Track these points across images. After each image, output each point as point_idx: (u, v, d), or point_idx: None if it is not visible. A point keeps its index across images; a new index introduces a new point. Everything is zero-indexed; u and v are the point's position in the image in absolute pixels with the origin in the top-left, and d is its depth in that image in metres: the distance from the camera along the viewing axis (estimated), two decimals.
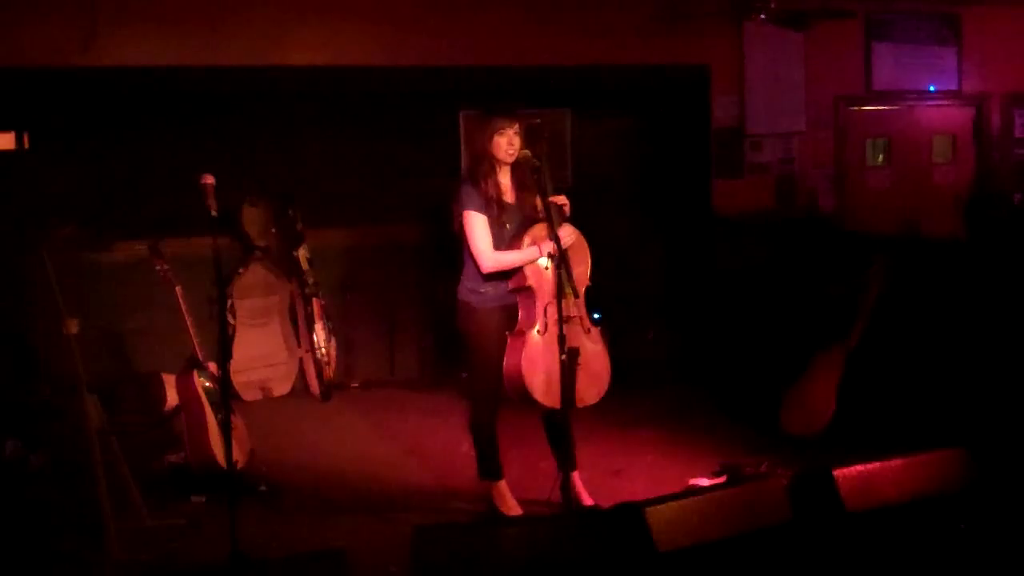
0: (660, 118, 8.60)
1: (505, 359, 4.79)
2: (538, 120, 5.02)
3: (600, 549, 3.86)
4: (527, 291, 4.81)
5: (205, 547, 4.70)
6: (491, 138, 4.84)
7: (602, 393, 4.90)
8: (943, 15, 9.19)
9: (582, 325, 4.83)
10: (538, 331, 4.74)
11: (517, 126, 4.84)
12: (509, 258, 4.82)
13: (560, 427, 4.97)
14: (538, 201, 4.78)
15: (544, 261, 4.75)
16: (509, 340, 4.81)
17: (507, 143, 4.82)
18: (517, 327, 4.83)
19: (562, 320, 4.54)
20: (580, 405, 4.80)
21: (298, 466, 5.93)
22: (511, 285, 4.86)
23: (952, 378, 5.64)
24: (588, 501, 5.01)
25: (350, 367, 7.99)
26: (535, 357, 4.71)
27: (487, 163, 4.88)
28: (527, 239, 4.80)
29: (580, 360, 4.73)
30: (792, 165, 8.75)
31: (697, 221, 8.40)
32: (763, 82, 8.51)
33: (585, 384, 4.79)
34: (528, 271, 4.79)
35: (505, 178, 4.93)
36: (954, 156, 9.60)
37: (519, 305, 4.86)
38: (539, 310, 4.76)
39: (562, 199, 4.79)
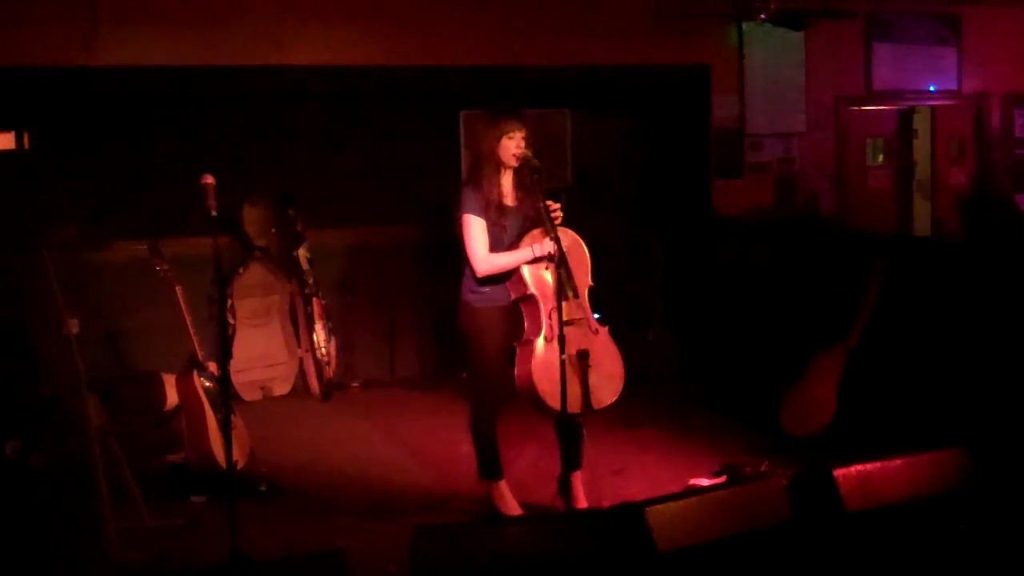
0: (660, 118, 8.60)
1: (516, 370, 4.77)
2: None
3: (600, 549, 3.86)
4: (530, 299, 4.79)
5: (205, 547, 4.70)
6: (499, 140, 4.82)
7: (618, 392, 4.86)
8: (943, 15, 9.18)
9: (589, 326, 4.81)
10: (545, 338, 4.73)
11: (525, 130, 4.83)
12: (503, 260, 4.80)
13: (571, 426, 4.94)
14: (538, 203, 4.77)
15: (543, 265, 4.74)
16: (518, 351, 4.79)
17: (515, 146, 4.80)
18: (524, 336, 4.81)
19: (562, 323, 4.53)
20: (598, 407, 4.78)
21: (298, 466, 5.93)
22: (513, 296, 4.84)
23: (952, 378, 5.64)
24: (583, 504, 4.99)
25: (350, 367, 7.99)
26: (545, 365, 4.67)
27: (492, 165, 4.85)
28: (527, 242, 4.80)
29: (592, 362, 4.71)
30: (792, 165, 8.74)
31: (697, 221, 8.40)
32: (763, 82, 8.50)
33: (601, 385, 4.77)
34: (529, 279, 4.77)
35: (507, 180, 4.92)
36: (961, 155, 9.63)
37: (523, 314, 4.84)
38: (544, 316, 4.74)
39: (555, 205, 4.77)
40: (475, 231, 4.82)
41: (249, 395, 7.45)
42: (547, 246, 4.66)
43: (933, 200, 9.46)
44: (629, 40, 8.00)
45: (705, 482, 5.36)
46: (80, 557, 4.66)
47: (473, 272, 4.89)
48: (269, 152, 7.69)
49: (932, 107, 9.39)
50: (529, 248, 4.75)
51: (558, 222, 4.72)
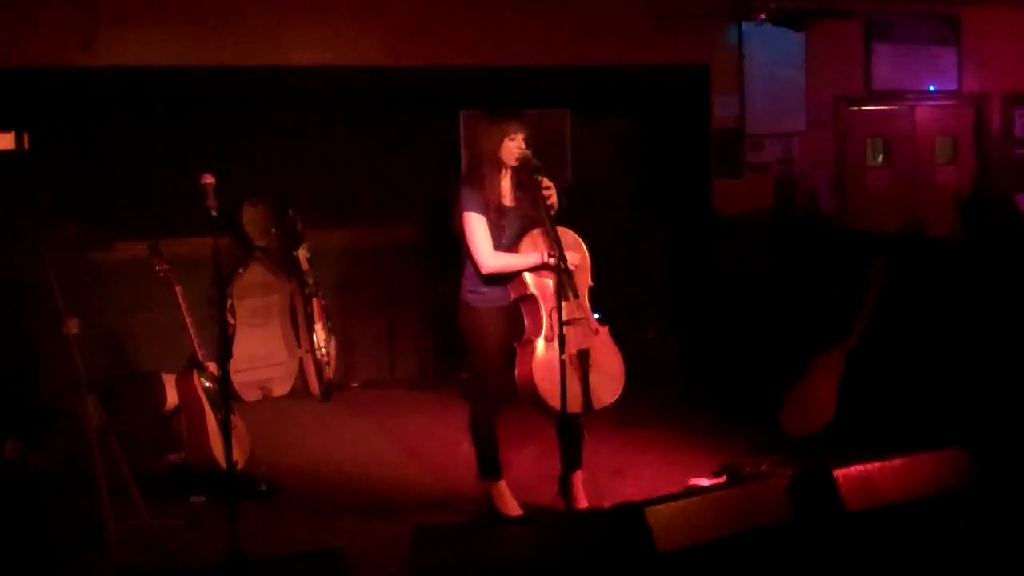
0: (660, 118, 8.60)
1: (516, 370, 4.77)
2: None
3: (600, 549, 3.86)
4: (530, 299, 4.79)
5: (205, 547, 4.70)
6: (501, 141, 4.81)
7: (618, 393, 4.87)
8: (943, 15, 9.19)
9: (589, 326, 4.81)
10: (545, 338, 4.73)
11: (525, 131, 4.83)
12: (510, 261, 4.80)
13: (572, 426, 4.93)
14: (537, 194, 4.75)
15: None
16: (518, 351, 4.79)
17: (517, 147, 4.80)
18: (524, 336, 4.81)
19: (563, 323, 4.53)
20: (598, 407, 4.78)
21: (298, 466, 5.93)
22: (513, 296, 4.84)
23: (952, 378, 5.64)
24: (583, 504, 4.99)
25: (350, 367, 7.99)
26: (546, 365, 4.67)
27: (492, 165, 4.85)
28: (526, 242, 4.80)
29: (592, 361, 4.71)
30: (792, 165, 8.75)
31: (697, 221, 8.40)
32: (763, 82, 8.51)
33: (601, 385, 4.77)
34: (530, 280, 4.77)
35: (506, 181, 4.92)
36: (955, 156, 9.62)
37: (524, 314, 4.84)
38: (544, 317, 4.74)
39: (546, 183, 4.72)
40: (478, 229, 4.82)
41: (249, 395, 7.45)
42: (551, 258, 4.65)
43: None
44: (629, 40, 8.00)
45: (705, 482, 5.35)
46: (80, 557, 4.66)
47: (474, 271, 4.89)
48: (269, 152, 7.69)
49: (913, 107, 9.38)
50: (538, 254, 4.74)
51: (550, 201, 4.71)
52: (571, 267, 4.69)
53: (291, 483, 5.61)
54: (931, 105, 9.41)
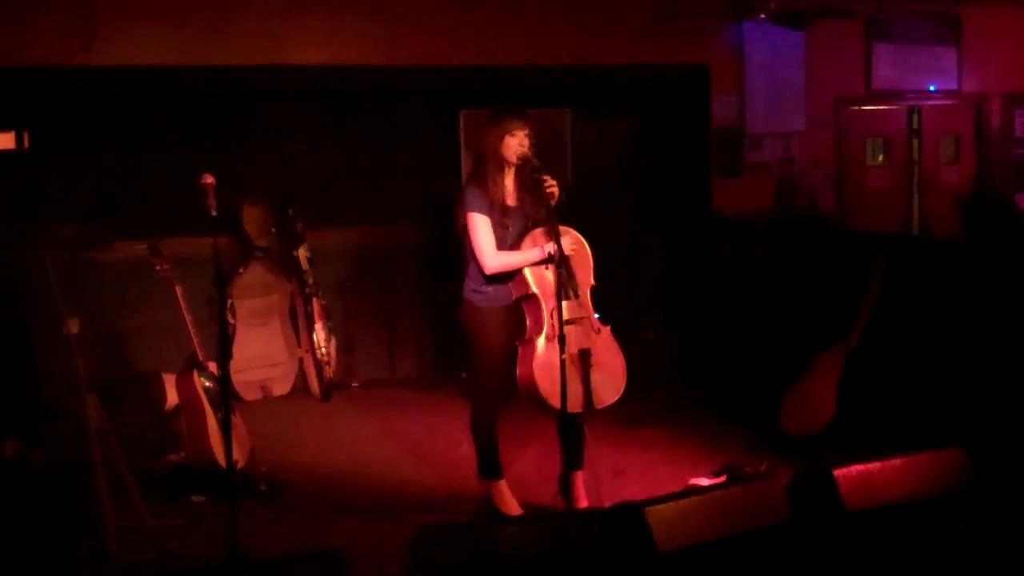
0: (660, 118, 8.60)
1: (517, 369, 4.78)
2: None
3: (600, 549, 3.86)
4: (532, 298, 4.80)
5: (205, 547, 4.70)
6: (502, 139, 4.83)
7: (620, 392, 4.87)
8: (943, 15, 9.19)
9: (591, 326, 4.82)
10: (546, 337, 4.73)
11: (528, 129, 4.84)
12: (512, 259, 4.81)
13: (573, 426, 4.94)
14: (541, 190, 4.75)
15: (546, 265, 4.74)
16: (519, 350, 4.79)
17: (518, 144, 4.81)
18: (526, 335, 4.81)
19: (563, 322, 4.53)
20: (600, 406, 4.79)
21: (298, 466, 5.93)
22: (515, 295, 4.85)
23: (952, 378, 5.64)
24: (583, 503, 4.99)
25: (350, 367, 7.99)
26: (546, 364, 4.68)
27: (495, 164, 4.86)
28: (528, 242, 4.80)
29: (593, 361, 4.72)
30: (792, 165, 8.74)
31: (697, 221, 8.40)
32: (763, 82, 8.50)
33: (603, 384, 4.78)
34: (531, 278, 4.78)
35: (509, 180, 4.92)
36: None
37: (525, 313, 4.84)
38: (545, 316, 4.75)
39: (549, 180, 4.72)
40: (482, 229, 4.82)
41: (249, 395, 7.45)
42: (551, 246, 4.66)
43: (920, 199, 9.47)
44: (629, 40, 8.00)
45: (705, 482, 5.36)
46: (80, 557, 4.66)
47: (477, 271, 4.90)
48: (269, 152, 7.69)
49: (918, 107, 9.39)
50: (538, 249, 4.75)
51: (553, 201, 4.70)
52: (569, 254, 4.67)
53: (291, 483, 5.61)
54: (931, 105, 9.41)
